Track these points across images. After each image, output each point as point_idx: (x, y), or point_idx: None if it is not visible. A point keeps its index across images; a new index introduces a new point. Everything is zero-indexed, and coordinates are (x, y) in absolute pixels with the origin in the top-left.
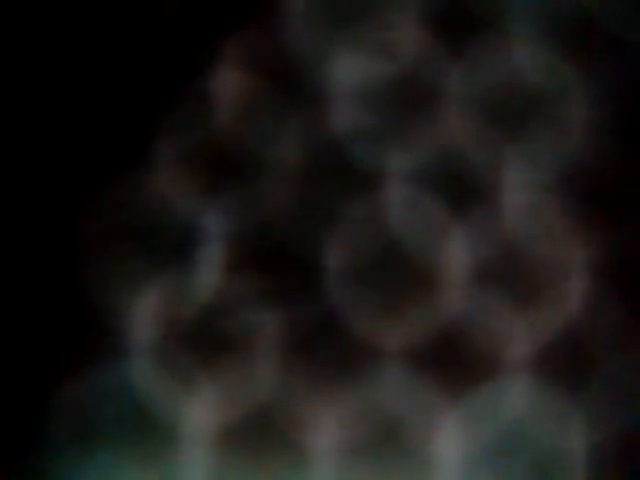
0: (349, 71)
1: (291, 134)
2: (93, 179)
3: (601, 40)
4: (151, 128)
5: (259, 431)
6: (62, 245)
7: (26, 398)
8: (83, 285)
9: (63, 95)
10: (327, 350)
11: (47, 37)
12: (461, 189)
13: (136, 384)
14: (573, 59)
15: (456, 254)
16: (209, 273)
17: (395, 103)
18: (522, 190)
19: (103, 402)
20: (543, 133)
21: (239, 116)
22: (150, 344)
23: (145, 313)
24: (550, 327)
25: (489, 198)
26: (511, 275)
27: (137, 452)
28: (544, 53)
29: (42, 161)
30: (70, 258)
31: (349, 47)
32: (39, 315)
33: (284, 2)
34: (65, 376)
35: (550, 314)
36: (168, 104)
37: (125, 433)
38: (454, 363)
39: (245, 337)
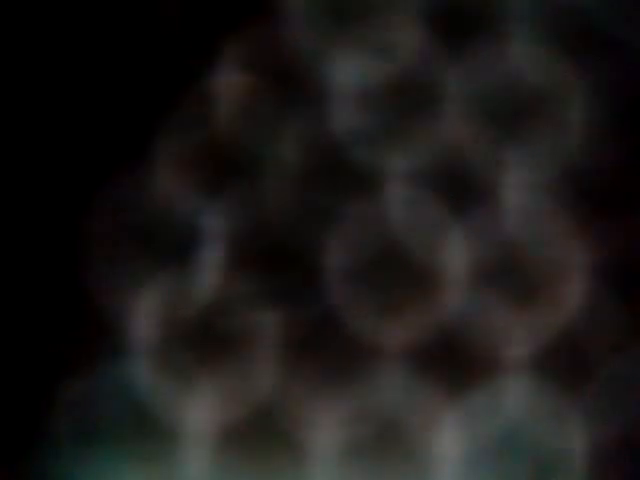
0: (349, 71)
1: (291, 134)
2: (94, 179)
3: (601, 40)
4: (152, 128)
5: (259, 431)
6: (63, 245)
7: (26, 398)
8: (83, 285)
9: (64, 95)
10: (327, 349)
11: (48, 37)
12: (461, 189)
13: (136, 384)
14: (573, 59)
15: (456, 254)
16: (209, 273)
17: (395, 103)
18: (522, 190)
19: (103, 402)
20: (543, 133)
21: (239, 116)
22: (150, 344)
23: (145, 313)
24: (550, 327)
25: (489, 198)
26: (511, 275)
27: (137, 452)
28: (544, 53)
29: (43, 161)
30: (71, 258)
31: (349, 47)
32: (40, 315)
33: (284, 2)
34: (65, 376)
35: (550, 314)
36: (169, 104)
37: (125, 433)
38: (454, 363)
39: (245, 337)
